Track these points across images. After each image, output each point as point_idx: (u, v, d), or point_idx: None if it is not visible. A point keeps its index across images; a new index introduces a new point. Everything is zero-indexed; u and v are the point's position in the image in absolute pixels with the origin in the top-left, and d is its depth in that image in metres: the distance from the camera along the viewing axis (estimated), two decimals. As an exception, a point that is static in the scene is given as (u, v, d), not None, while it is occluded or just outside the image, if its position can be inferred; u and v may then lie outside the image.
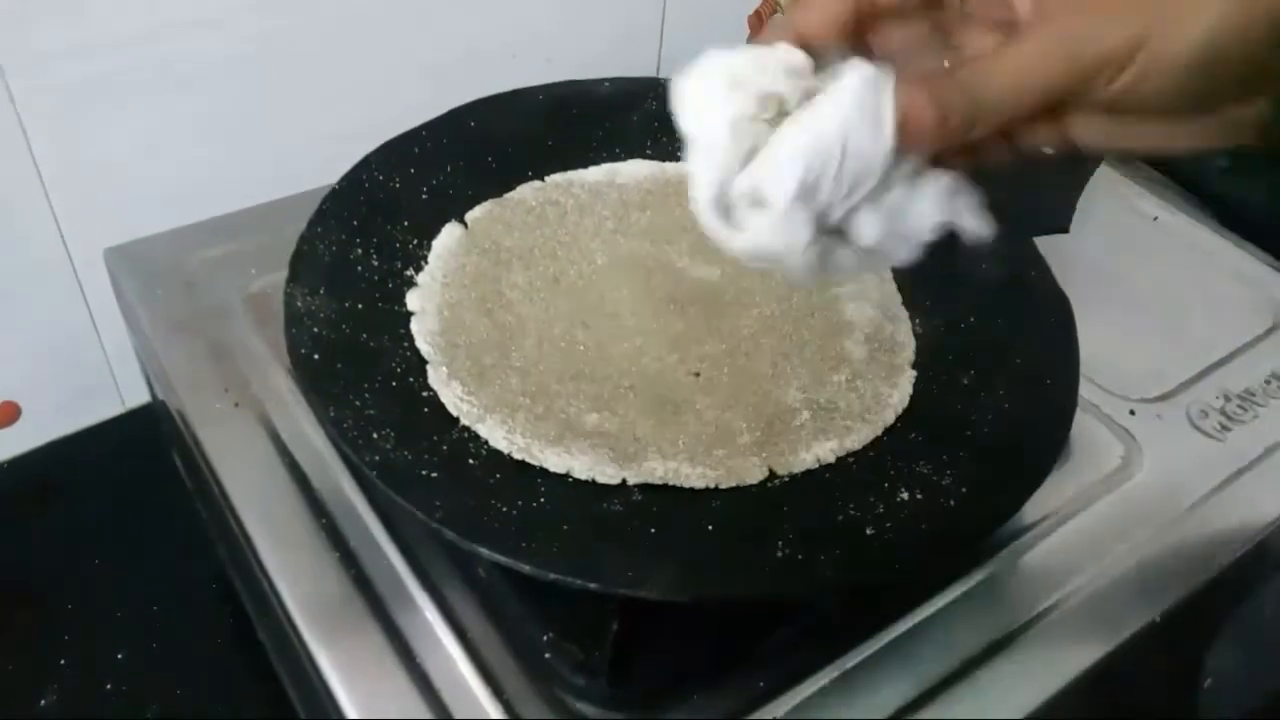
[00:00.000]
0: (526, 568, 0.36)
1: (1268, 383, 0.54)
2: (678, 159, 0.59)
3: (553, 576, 0.36)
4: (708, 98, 0.32)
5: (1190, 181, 0.66)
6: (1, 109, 0.53)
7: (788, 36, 0.32)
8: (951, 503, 0.41)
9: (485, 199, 0.54)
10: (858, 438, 0.44)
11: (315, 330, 0.44)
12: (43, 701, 0.52)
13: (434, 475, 0.40)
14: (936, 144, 0.30)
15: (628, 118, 0.59)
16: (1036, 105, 0.29)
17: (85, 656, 0.54)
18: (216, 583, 0.56)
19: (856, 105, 0.29)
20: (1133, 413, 0.51)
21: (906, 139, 0.29)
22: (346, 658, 0.39)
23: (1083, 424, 0.50)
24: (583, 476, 0.42)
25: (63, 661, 0.53)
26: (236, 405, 0.47)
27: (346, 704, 0.38)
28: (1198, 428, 0.51)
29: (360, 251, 0.49)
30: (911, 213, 0.31)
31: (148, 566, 0.58)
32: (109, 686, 0.52)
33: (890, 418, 0.46)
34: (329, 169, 0.51)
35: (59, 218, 0.57)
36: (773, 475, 0.43)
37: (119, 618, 0.55)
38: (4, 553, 0.58)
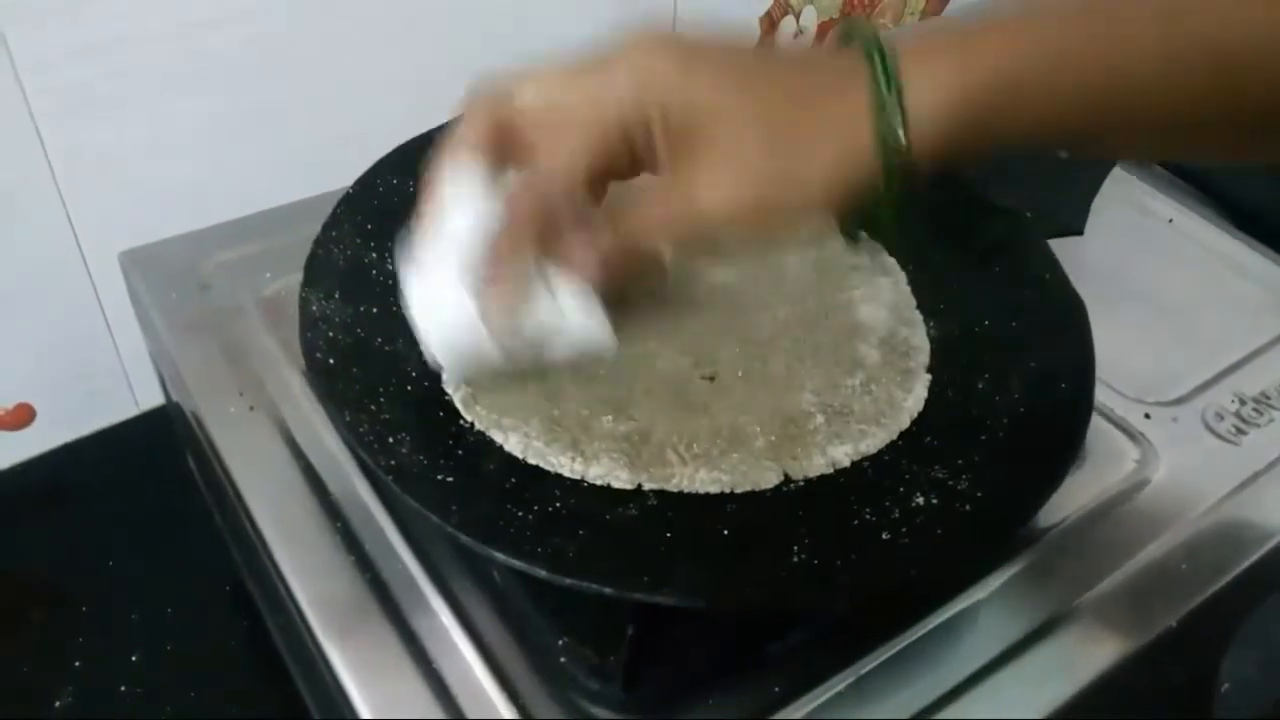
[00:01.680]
0: (541, 572, 0.36)
1: (1283, 385, 0.54)
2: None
3: (568, 581, 0.36)
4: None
5: (1205, 183, 0.65)
6: (15, 108, 0.53)
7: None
8: (967, 507, 0.41)
9: (498, 202, 0.54)
10: (872, 442, 0.44)
11: (330, 334, 0.44)
12: (57, 703, 0.52)
13: (449, 480, 0.40)
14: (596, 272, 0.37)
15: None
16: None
17: (100, 658, 0.54)
18: (231, 585, 0.56)
19: None
20: (1148, 416, 0.51)
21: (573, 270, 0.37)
22: (361, 660, 0.39)
23: (1097, 428, 0.50)
24: (597, 482, 0.42)
25: (77, 663, 0.54)
26: (251, 408, 0.47)
27: (361, 706, 0.38)
28: (1213, 431, 0.51)
29: (374, 255, 0.49)
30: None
31: (162, 568, 0.58)
32: (123, 688, 0.53)
33: (905, 422, 0.45)
34: (342, 172, 0.51)
35: (73, 219, 0.58)
36: (787, 480, 0.43)
37: (133, 620, 0.55)
38: (19, 554, 0.59)
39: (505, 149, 0.37)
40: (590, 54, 0.36)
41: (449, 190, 0.38)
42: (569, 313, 0.38)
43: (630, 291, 0.39)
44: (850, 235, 0.42)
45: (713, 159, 0.34)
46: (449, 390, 0.45)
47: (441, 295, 0.38)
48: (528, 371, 0.41)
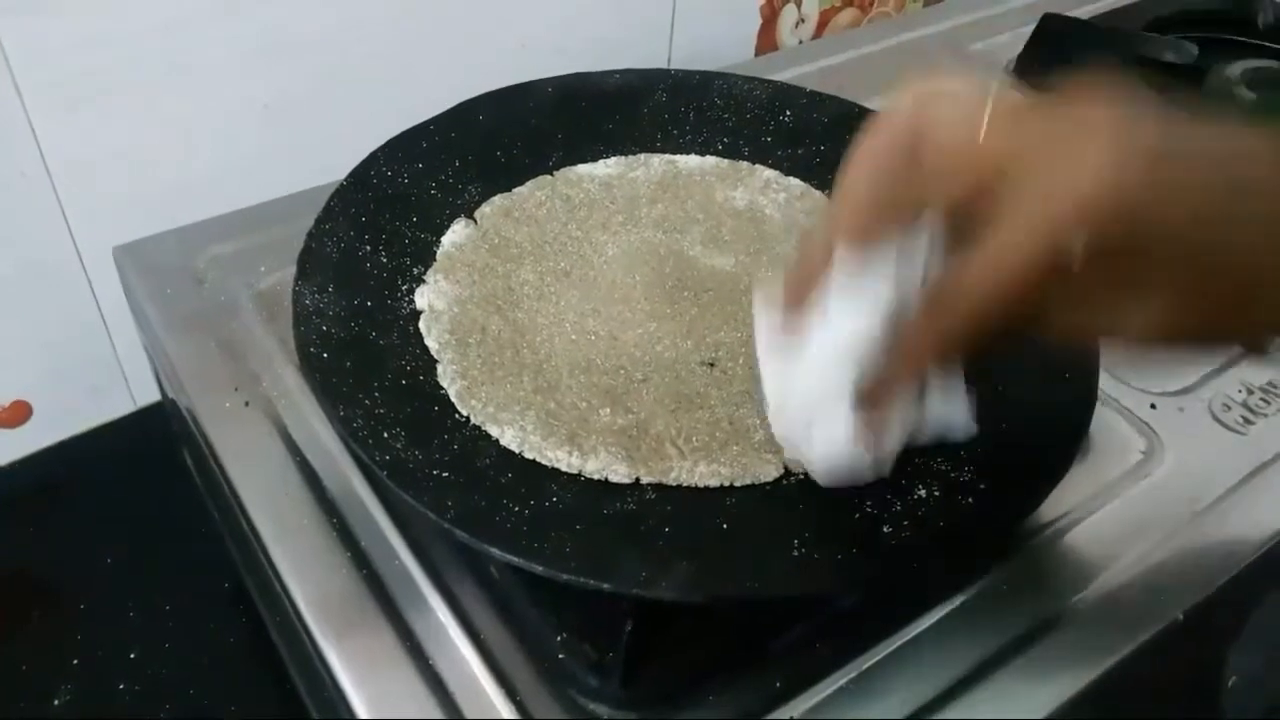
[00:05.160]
0: (539, 568, 0.36)
1: (1291, 375, 0.53)
2: (688, 152, 0.58)
3: (565, 577, 0.35)
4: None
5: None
6: (9, 103, 0.52)
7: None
8: (970, 500, 0.40)
9: (494, 194, 0.54)
10: (874, 434, 0.44)
11: (324, 328, 0.44)
12: (56, 701, 0.52)
13: (445, 475, 0.39)
14: (945, 361, 0.35)
15: (638, 110, 0.58)
16: (1020, 293, 0.30)
17: (98, 656, 0.54)
18: (229, 582, 0.56)
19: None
20: (1154, 406, 0.50)
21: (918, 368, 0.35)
22: (358, 657, 0.39)
23: (1103, 418, 0.49)
24: (595, 476, 0.41)
25: (75, 661, 0.53)
26: (247, 404, 0.47)
27: (358, 704, 0.37)
28: (1220, 421, 0.50)
29: (369, 248, 0.49)
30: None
31: (159, 565, 0.57)
32: (122, 686, 0.52)
33: (907, 413, 0.45)
34: (337, 164, 0.50)
35: (67, 214, 0.57)
36: (788, 473, 0.42)
37: (131, 617, 0.55)
38: (16, 552, 0.58)
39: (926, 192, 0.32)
40: (1050, 96, 0.30)
41: (853, 262, 0.34)
42: (934, 406, 0.38)
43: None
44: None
45: (1154, 290, 0.29)
46: (444, 383, 0.44)
47: (820, 399, 0.36)
48: None
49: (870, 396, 0.35)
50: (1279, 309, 0.31)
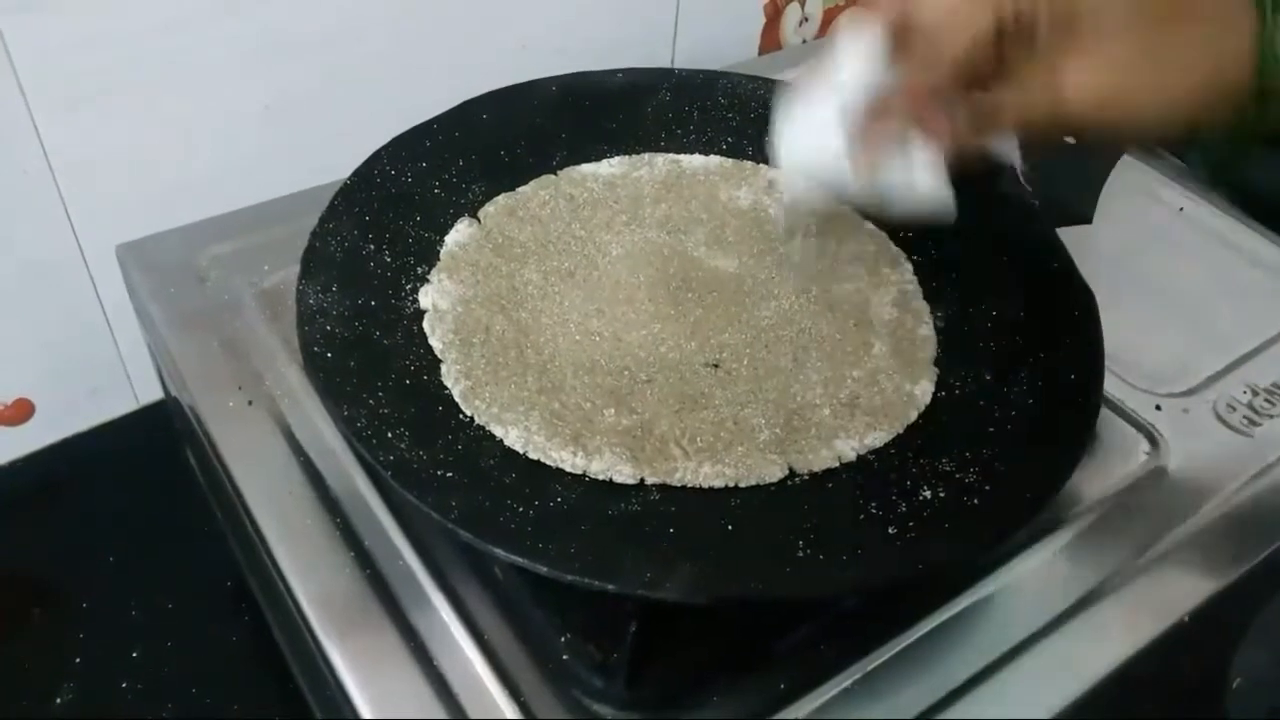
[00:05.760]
0: (543, 569, 0.35)
1: (1295, 376, 0.53)
2: (692, 151, 0.58)
3: (569, 578, 0.35)
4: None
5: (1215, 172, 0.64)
6: (12, 102, 0.52)
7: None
8: (975, 501, 0.40)
9: (497, 193, 0.53)
10: (879, 435, 0.44)
11: (328, 327, 0.44)
12: (58, 700, 0.52)
13: (449, 475, 0.39)
14: (947, 145, 0.39)
15: (641, 109, 0.58)
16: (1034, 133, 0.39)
17: (100, 655, 0.54)
18: (231, 581, 0.56)
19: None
20: (1159, 407, 0.50)
21: (928, 137, 0.39)
22: (361, 657, 0.39)
23: (1107, 419, 0.49)
24: (599, 476, 0.41)
25: (78, 660, 0.53)
26: (250, 403, 0.47)
27: (361, 704, 0.37)
28: (1225, 422, 0.50)
29: (372, 247, 0.48)
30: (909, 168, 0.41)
31: (162, 564, 0.57)
32: (124, 685, 0.52)
33: (912, 415, 0.45)
34: (336, 165, 0.50)
35: (70, 213, 0.57)
36: (792, 474, 0.42)
37: (134, 616, 0.55)
38: (19, 551, 0.58)
39: (899, 38, 0.39)
40: None
41: (847, 48, 0.40)
42: (919, 174, 0.41)
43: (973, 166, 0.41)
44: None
45: (1083, 48, 0.36)
46: (448, 383, 0.44)
47: (817, 123, 0.41)
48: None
49: (870, 120, 0.40)
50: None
